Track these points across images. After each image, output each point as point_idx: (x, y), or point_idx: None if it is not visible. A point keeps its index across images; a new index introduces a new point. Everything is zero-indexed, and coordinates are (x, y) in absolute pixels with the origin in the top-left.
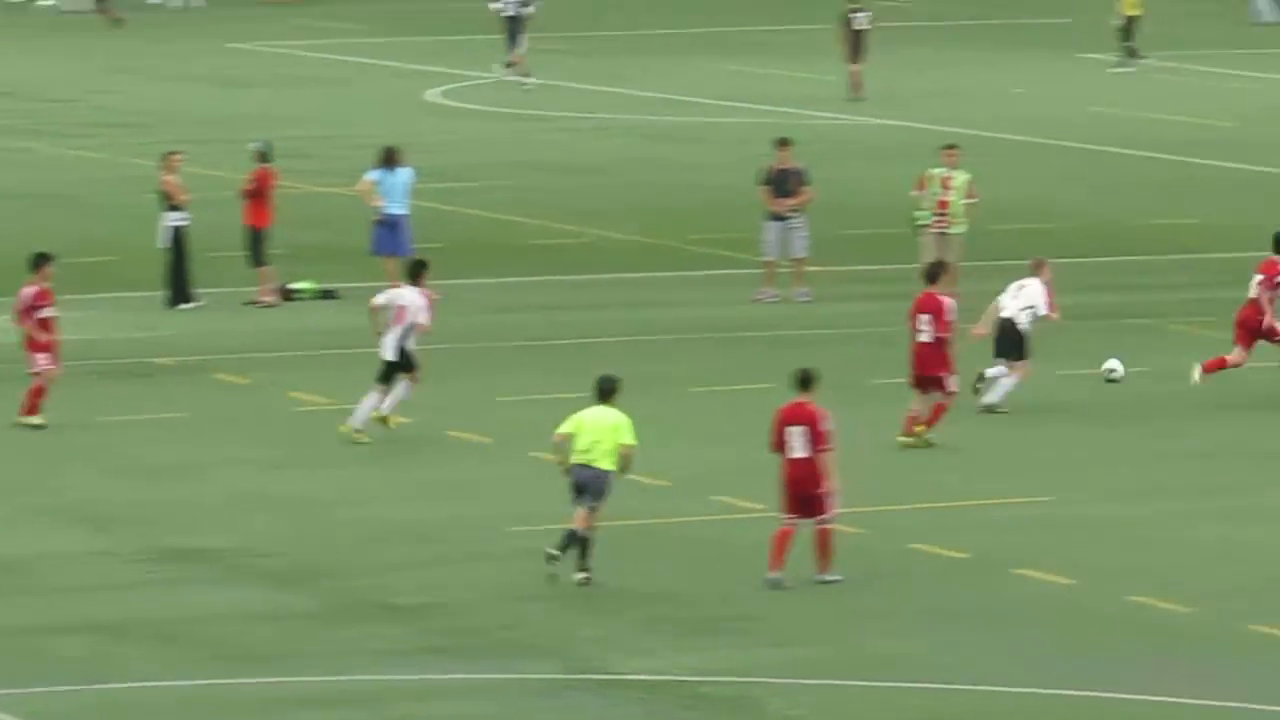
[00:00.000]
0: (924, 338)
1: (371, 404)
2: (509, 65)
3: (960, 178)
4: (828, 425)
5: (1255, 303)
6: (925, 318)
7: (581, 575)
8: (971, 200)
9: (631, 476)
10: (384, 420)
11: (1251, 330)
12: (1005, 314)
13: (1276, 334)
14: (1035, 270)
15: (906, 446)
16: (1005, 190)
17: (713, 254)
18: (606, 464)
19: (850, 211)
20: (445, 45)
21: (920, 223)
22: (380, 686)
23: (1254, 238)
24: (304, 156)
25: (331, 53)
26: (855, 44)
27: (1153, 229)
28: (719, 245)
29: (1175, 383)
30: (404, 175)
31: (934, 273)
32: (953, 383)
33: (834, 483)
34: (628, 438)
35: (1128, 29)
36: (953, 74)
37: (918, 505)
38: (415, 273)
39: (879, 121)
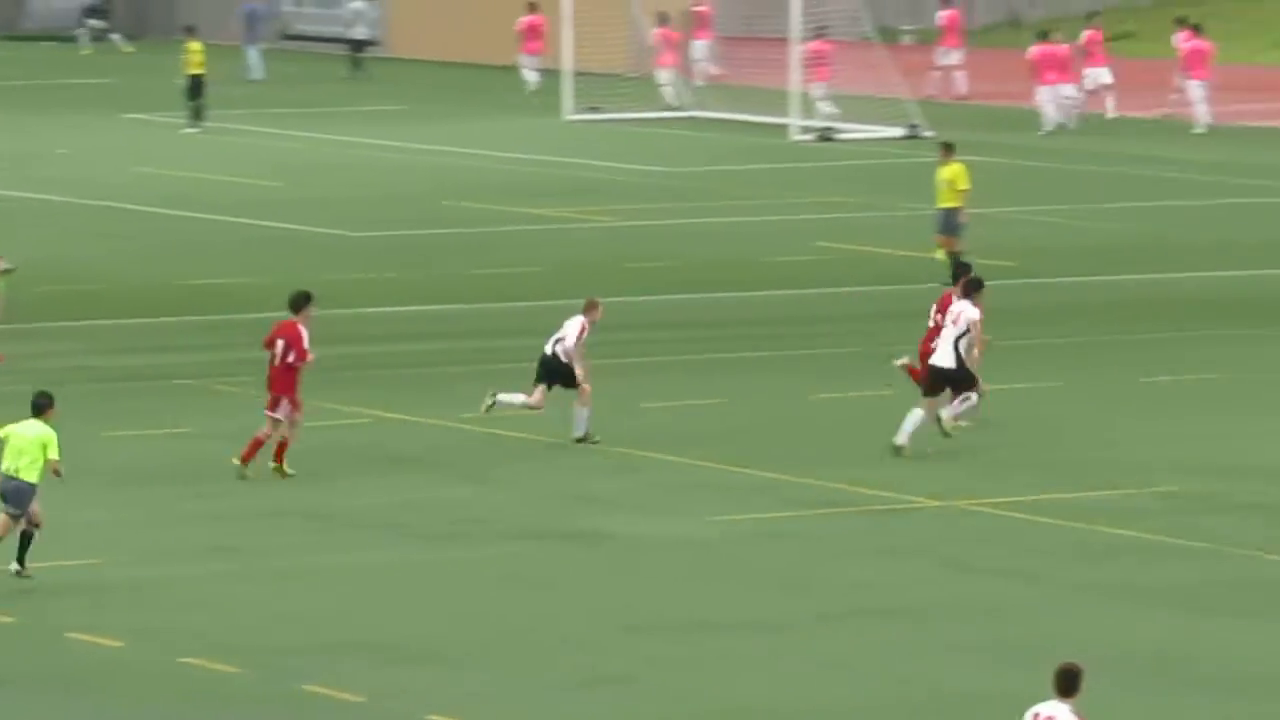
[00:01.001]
0: (276, 361)
1: None
2: None
3: None
4: None
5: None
6: (281, 343)
7: (16, 567)
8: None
9: None
10: None
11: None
12: (549, 350)
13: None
14: (587, 310)
15: (277, 471)
16: (48, 251)
17: None
18: (31, 476)
19: None
20: None
21: None
22: None
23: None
24: None
25: None
26: None
27: (192, 289)
28: None
29: (225, 443)
30: None
31: (298, 303)
32: (288, 410)
33: None
34: (53, 453)
35: (194, 89)
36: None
37: None
38: None
39: None
